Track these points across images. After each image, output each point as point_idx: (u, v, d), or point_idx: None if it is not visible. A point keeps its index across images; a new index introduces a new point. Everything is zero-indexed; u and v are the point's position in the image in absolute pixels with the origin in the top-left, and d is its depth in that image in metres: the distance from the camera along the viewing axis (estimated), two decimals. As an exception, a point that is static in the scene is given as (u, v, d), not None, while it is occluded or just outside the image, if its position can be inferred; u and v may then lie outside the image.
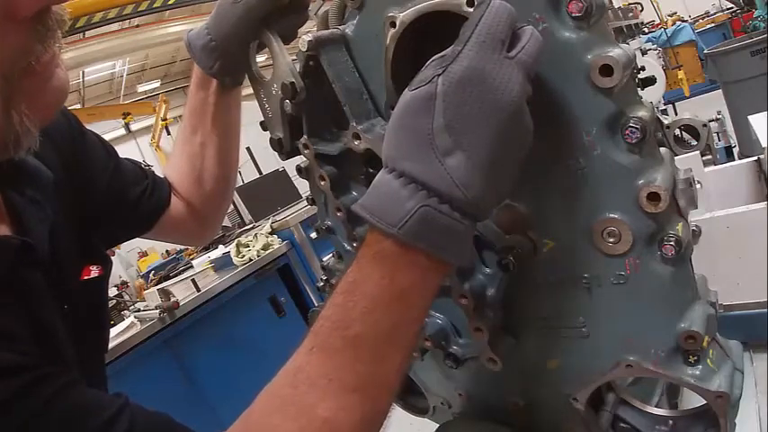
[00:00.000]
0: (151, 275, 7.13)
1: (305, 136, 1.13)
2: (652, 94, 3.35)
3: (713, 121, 3.17)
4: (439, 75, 0.70)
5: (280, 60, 1.13)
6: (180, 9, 11.21)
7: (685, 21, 11.71)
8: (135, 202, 1.44)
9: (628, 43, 2.44)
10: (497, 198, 0.75)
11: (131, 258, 17.21)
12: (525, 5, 0.84)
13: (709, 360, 0.91)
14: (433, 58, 0.75)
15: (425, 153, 0.68)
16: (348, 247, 1.25)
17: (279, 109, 1.16)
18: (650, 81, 2.74)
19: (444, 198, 0.68)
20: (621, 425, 1.13)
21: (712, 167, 2.07)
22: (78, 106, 17.63)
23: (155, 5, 9.52)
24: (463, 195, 0.68)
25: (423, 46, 1.00)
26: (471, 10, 0.87)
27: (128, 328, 4.27)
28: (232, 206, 8.85)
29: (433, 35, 0.96)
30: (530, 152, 0.79)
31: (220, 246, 6.10)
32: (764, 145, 1.93)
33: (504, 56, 0.71)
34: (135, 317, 4.42)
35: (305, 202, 3.78)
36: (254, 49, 1.26)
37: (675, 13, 13.49)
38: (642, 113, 0.85)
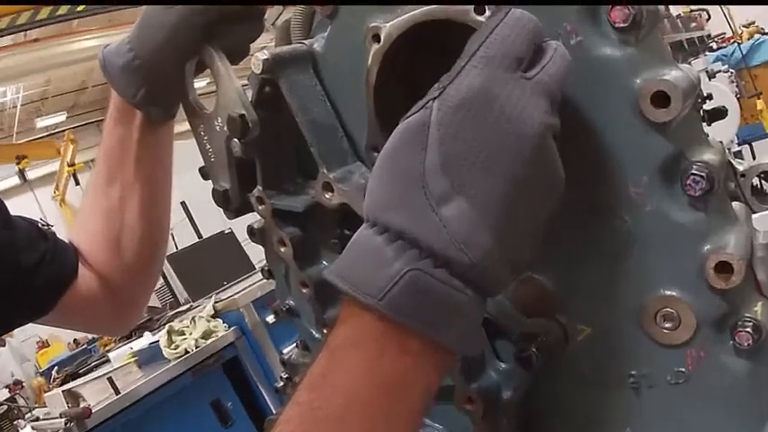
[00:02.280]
0: (54, 373, 7.07)
1: (259, 187, 1.14)
2: (722, 131, 3.41)
3: (804, 165, 3.20)
4: (434, 98, 0.70)
5: (226, 86, 1.14)
6: (93, 18, 11.30)
7: (766, 33, 11.73)
8: (29, 274, 1.42)
9: (690, 63, 2.49)
10: (511, 267, 0.73)
11: (27, 350, 16.97)
12: (553, 14, 0.86)
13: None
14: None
15: (415, 200, 0.67)
16: (317, 335, 1.24)
17: (224, 150, 1.17)
18: (719, 114, 2.79)
19: (440, 260, 0.66)
20: None
21: (804, 228, 2.08)
22: (-44, 146, 17.65)
23: (58, 13, 9.51)
24: (465, 257, 0.66)
25: (417, 67, 1.02)
26: (481, 19, 0.89)
27: (23, 443, 4.21)
28: (162, 281, 8.82)
29: (432, 52, 0.98)
30: (559, 207, 0.79)
31: (146, 333, 6.03)
32: None
33: (519, 76, 0.71)
34: (33, 428, 4.34)
35: (259, 275, 3.74)
36: (191, 71, 1.27)
37: (753, 23, 13.28)
38: (708, 157, 0.86)
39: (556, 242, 0.91)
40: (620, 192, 0.89)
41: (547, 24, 0.82)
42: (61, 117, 20.58)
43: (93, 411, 4.19)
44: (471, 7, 0.90)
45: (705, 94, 2.89)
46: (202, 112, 1.21)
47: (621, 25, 0.83)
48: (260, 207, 1.15)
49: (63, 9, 9.41)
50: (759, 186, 2.14)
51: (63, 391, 4.43)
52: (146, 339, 5.80)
